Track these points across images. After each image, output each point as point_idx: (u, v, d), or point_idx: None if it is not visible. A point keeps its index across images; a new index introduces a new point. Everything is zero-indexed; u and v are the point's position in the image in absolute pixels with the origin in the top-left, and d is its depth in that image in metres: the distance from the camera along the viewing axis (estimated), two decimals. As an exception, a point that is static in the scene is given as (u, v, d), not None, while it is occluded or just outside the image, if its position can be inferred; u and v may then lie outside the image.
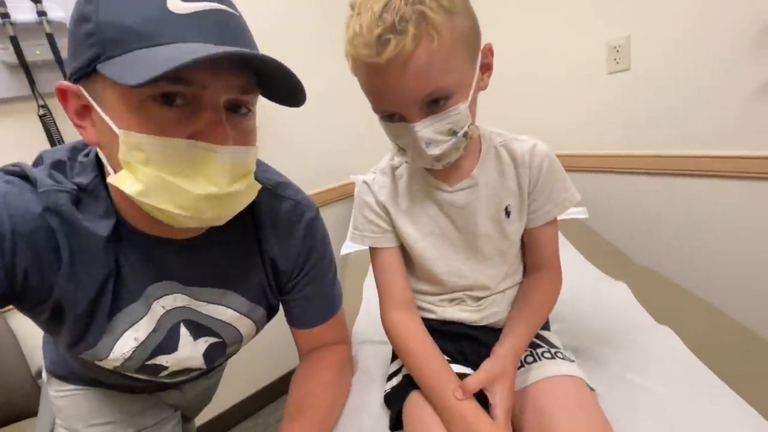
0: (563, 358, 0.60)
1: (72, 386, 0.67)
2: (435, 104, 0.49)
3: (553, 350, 0.62)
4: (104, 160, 0.42)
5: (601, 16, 1.23)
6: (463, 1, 0.48)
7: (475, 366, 0.58)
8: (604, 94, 1.28)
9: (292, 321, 0.65)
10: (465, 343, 0.64)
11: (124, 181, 0.38)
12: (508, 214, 0.61)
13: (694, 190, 1.15)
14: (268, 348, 1.42)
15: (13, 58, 0.93)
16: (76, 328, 0.47)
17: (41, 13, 0.93)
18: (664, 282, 0.94)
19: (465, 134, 0.51)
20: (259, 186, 0.48)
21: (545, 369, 0.58)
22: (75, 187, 0.44)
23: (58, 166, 0.46)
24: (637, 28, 1.16)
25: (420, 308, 0.66)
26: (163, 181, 0.38)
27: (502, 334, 0.60)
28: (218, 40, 0.38)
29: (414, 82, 0.46)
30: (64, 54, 0.93)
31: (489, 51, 0.53)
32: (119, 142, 0.38)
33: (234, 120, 0.42)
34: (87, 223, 0.44)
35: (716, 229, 1.14)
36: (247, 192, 0.45)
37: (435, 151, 0.51)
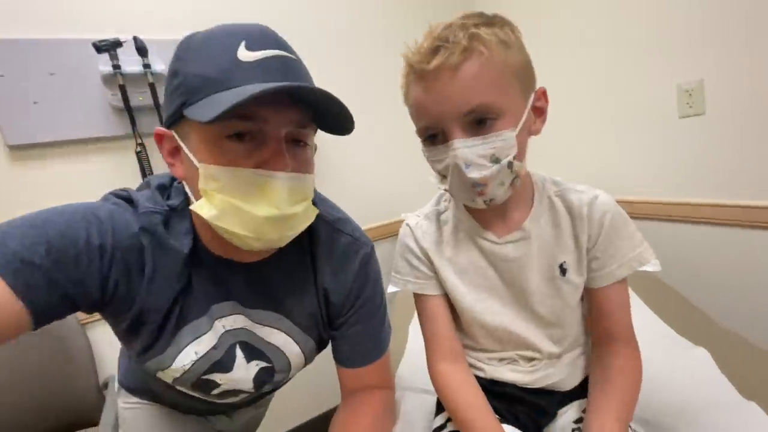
0: None
1: (137, 399, 0.73)
2: (479, 125, 0.47)
3: None
4: (189, 191, 0.49)
5: (671, 59, 1.18)
6: (518, 41, 0.49)
7: (526, 429, 0.54)
8: (675, 138, 1.21)
9: (338, 358, 0.65)
10: (517, 405, 0.59)
11: (202, 208, 0.45)
12: (563, 272, 0.56)
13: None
14: (309, 383, 1.41)
15: (119, 103, 1.09)
16: (149, 337, 0.51)
17: (146, 66, 1.10)
18: (751, 349, 0.82)
19: (510, 165, 0.48)
20: (317, 210, 0.52)
21: None
22: (167, 208, 0.51)
23: (162, 188, 0.54)
24: (711, 72, 1.10)
25: (468, 365, 0.62)
26: (232, 205, 0.44)
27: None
28: (280, 80, 0.43)
29: (459, 93, 0.46)
30: (161, 100, 1.08)
31: (543, 95, 0.51)
32: (199, 174, 0.44)
33: (293, 150, 0.47)
34: (173, 241, 0.50)
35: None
36: (305, 215, 0.50)
37: (475, 174, 0.48)
